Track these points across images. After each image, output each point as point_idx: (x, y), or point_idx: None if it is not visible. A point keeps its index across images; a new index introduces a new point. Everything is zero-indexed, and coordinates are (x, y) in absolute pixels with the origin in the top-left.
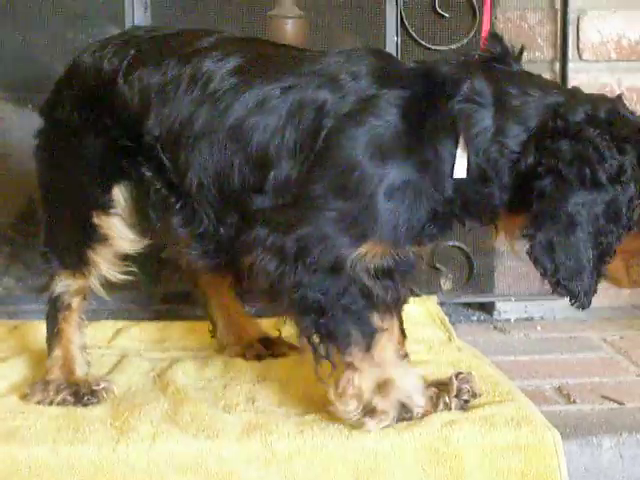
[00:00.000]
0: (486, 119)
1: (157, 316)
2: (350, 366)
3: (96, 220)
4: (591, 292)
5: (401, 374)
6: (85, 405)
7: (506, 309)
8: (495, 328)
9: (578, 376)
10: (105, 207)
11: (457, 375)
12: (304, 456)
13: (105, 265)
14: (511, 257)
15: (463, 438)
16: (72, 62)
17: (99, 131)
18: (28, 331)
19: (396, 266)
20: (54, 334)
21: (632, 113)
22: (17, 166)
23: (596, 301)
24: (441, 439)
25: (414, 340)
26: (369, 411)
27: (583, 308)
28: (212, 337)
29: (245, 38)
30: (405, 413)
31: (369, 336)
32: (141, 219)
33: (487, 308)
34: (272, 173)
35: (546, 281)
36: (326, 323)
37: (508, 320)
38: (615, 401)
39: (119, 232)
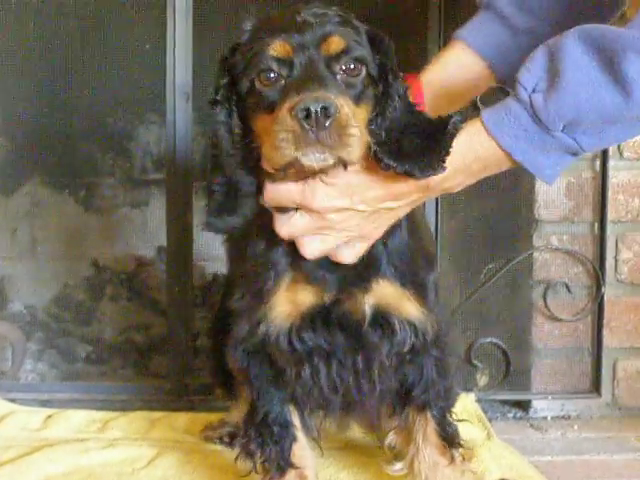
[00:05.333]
0: None
1: (190, 407)
2: None
3: None
4: None
5: None
6: None
7: (542, 407)
8: (531, 426)
9: (616, 477)
10: None
11: None
12: None
13: None
14: (548, 354)
15: None
16: None
17: None
18: (61, 420)
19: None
20: None
21: None
22: (52, 251)
23: (633, 400)
24: None
25: None
26: None
27: None
28: None
29: None
30: None
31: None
32: None
33: (523, 405)
34: None
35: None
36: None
37: (545, 418)
38: None
39: None
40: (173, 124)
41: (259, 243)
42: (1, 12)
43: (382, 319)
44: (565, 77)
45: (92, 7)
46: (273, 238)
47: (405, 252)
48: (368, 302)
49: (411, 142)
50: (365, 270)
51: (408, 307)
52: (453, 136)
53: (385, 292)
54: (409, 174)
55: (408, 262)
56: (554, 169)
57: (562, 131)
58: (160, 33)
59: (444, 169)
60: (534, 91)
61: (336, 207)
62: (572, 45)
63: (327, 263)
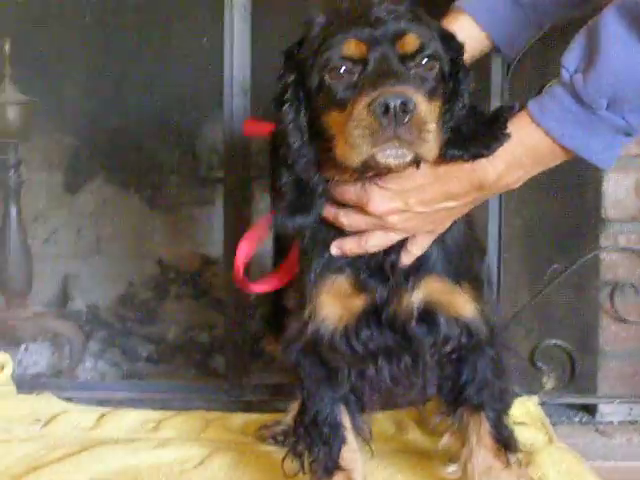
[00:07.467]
0: None
1: (248, 407)
2: None
3: None
4: None
5: None
6: None
7: (609, 411)
8: (597, 431)
9: None
10: None
11: None
12: None
13: None
14: (615, 357)
15: None
16: None
17: None
18: (114, 419)
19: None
20: None
21: None
22: (117, 250)
23: None
24: None
25: None
26: None
27: None
28: None
29: None
30: None
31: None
32: None
33: (589, 409)
34: None
35: None
36: None
37: (611, 422)
38: None
39: None
40: (230, 120)
41: (311, 243)
42: (64, 10)
43: (428, 316)
44: (602, 53)
45: (151, 2)
46: (324, 239)
47: (461, 244)
48: (416, 299)
49: (469, 127)
50: (414, 267)
51: (460, 303)
52: (507, 109)
53: (434, 288)
54: (477, 156)
55: (463, 255)
56: (608, 152)
57: (607, 109)
58: (218, 28)
59: (508, 136)
60: (576, 72)
61: (392, 209)
62: (609, 20)
63: (376, 263)
